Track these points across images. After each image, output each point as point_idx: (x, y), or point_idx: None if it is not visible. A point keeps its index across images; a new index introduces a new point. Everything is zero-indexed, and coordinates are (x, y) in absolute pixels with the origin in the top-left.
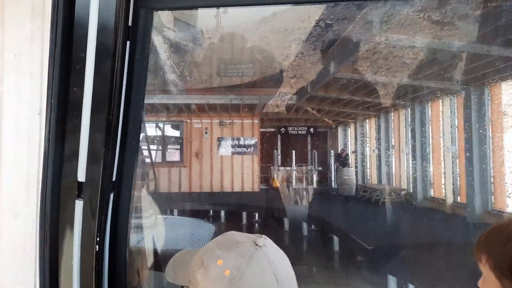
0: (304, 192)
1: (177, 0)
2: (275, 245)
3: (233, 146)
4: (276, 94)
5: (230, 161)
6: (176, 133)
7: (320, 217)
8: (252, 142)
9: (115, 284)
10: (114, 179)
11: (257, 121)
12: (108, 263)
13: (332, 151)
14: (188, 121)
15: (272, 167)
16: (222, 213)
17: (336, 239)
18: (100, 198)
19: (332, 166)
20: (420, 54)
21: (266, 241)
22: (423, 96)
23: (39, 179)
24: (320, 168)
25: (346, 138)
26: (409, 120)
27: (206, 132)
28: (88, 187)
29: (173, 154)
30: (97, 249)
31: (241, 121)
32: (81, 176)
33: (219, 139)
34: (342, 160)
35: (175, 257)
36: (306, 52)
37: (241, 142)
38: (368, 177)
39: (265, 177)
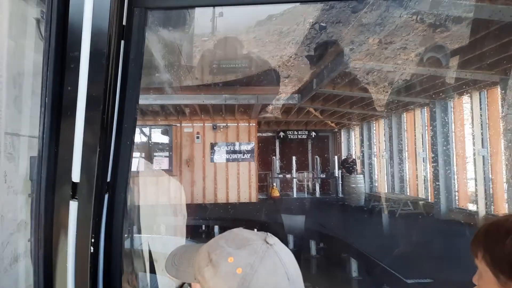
0: (307, 202)
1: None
2: (282, 243)
3: (227, 152)
4: (275, 93)
5: (224, 169)
6: (165, 139)
7: (329, 233)
8: (249, 147)
9: (110, 285)
10: (108, 179)
11: (254, 124)
12: (103, 265)
13: (336, 157)
14: (178, 125)
15: (270, 175)
16: (216, 228)
17: (352, 261)
18: (95, 199)
19: (337, 173)
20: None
21: (274, 239)
22: (447, 92)
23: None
24: (323, 176)
25: (350, 143)
26: (427, 120)
27: (197, 137)
28: (82, 188)
29: (161, 162)
30: (91, 251)
31: (236, 124)
32: (76, 177)
33: (212, 145)
34: (349, 167)
35: (174, 253)
36: (314, 39)
37: (237, 148)
38: (376, 185)
39: (263, 186)
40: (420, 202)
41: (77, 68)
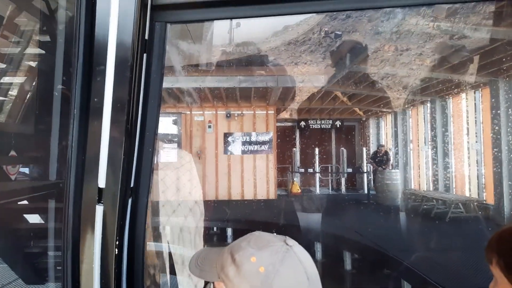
0: (333, 200)
1: (190, 13)
2: (300, 245)
3: (243, 144)
4: (298, 74)
5: (239, 162)
6: (173, 129)
7: (365, 241)
8: (267, 138)
9: (133, 285)
10: (132, 185)
11: (272, 111)
12: (126, 266)
13: (364, 149)
14: (188, 112)
15: (290, 169)
16: (229, 231)
17: (405, 284)
18: (119, 204)
19: (365, 167)
20: None
21: (293, 241)
22: None
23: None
24: (349, 170)
25: (380, 133)
26: (482, 104)
27: (209, 127)
28: (108, 193)
29: (169, 154)
30: (116, 253)
31: (252, 112)
32: (102, 182)
33: (226, 135)
34: (380, 160)
35: (198, 255)
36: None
37: (253, 138)
38: (413, 182)
39: (282, 181)
40: (474, 204)
41: (103, 80)
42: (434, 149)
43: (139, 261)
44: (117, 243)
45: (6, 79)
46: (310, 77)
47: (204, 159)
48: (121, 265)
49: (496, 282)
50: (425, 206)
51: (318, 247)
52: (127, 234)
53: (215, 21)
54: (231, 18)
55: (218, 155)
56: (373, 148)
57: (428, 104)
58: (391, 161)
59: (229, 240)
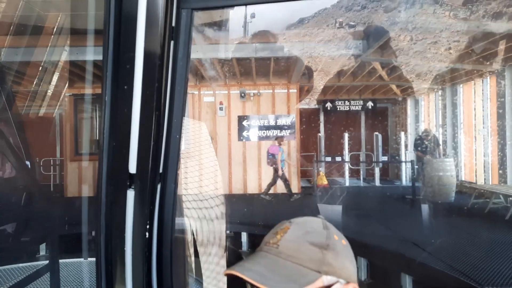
0: (368, 195)
1: (214, 0)
2: None
3: (260, 128)
4: (329, 39)
5: (256, 150)
6: None
7: (435, 260)
8: (288, 121)
9: (162, 267)
10: (161, 171)
11: (295, 90)
12: (156, 249)
13: (403, 134)
14: (196, 92)
15: (315, 157)
16: (244, 236)
17: None
18: (149, 189)
19: (403, 154)
20: None
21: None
22: None
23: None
24: (383, 158)
25: (419, 115)
26: None
27: (221, 109)
28: (138, 178)
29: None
30: (147, 236)
31: (271, 91)
32: (132, 168)
33: (240, 118)
34: (428, 146)
35: (256, 278)
36: None
37: (272, 122)
38: (464, 173)
39: (306, 171)
40: None
41: (132, 67)
42: (500, 132)
43: (167, 244)
44: (147, 227)
45: (39, 72)
46: (342, 43)
47: (215, 146)
48: (151, 248)
49: None
50: (494, 205)
51: (361, 262)
52: (157, 219)
53: None
54: (254, 4)
55: (231, 141)
56: (411, 132)
57: (488, 79)
58: (440, 148)
59: (244, 248)
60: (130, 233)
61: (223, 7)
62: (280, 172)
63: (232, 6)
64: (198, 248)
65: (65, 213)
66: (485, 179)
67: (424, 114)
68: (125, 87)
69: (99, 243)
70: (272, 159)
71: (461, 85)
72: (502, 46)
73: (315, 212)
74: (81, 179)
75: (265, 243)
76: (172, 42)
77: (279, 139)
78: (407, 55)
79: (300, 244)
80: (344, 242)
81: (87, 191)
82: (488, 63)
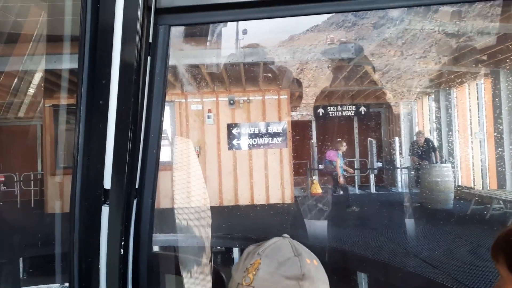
0: (365, 203)
1: (194, 17)
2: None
3: (251, 136)
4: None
5: (247, 159)
6: (164, 121)
7: (432, 267)
8: (280, 128)
9: (138, 285)
10: (137, 186)
11: (285, 96)
12: (132, 266)
13: (397, 139)
14: (182, 100)
15: (308, 165)
16: (236, 252)
17: None
18: (125, 204)
19: (398, 160)
20: None
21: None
22: None
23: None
24: (378, 164)
25: (412, 120)
26: None
27: (209, 117)
28: (113, 194)
29: (162, 152)
30: (121, 253)
31: (261, 97)
32: (107, 184)
33: (230, 126)
34: (423, 151)
35: None
36: None
37: (263, 130)
38: (460, 177)
39: (299, 180)
40: None
41: (108, 83)
42: (497, 136)
43: (144, 261)
44: (122, 243)
45: (14, 82)
46: (334, 46)
47: (204, 156)
48: (127, 265)
49: (503, 281)
50: (496, 211)
51: (361, 277)
52: (133, 235)
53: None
54: (234, 21)
55: (220, 150)
56: (405, 137)
57: (482, 80)
58: (436, 152)
59: (235, 262)
60: (104, 250)
61: (202, 23)
62: (341, 180)
63: (210, 23)
64: (180, 266)
65: (43, 231)
66: (482, 184)
67: (415, 120)
68: (101, 102)
69: (72, 263)
70: (329, 165)
71: (454, 88)
72: (496, 48)
73: (297, 223)
74: (63, 194)
75: (236, 284)
76: (149, 58)
77: (338, 143)
78: (400, 57)
79: (276, 281)
80: (316, 262)
81: (67, 207)
82: (481, 65)
